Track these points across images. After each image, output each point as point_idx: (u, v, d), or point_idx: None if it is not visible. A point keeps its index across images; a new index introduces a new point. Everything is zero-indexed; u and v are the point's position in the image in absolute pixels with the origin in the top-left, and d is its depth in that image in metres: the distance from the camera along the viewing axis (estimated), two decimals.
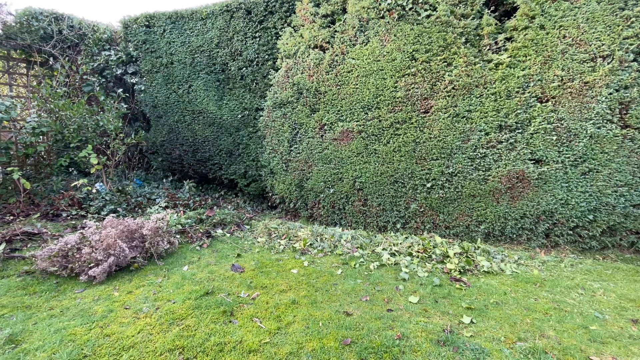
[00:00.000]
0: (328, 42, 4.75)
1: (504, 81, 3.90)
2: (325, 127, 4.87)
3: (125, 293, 2.85)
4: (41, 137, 5.89)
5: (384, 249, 3.98)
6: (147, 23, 6.36)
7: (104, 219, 4.51)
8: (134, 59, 6.67)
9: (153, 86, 6.51)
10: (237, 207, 5.87)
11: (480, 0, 3.94)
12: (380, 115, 4.48)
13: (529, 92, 3.84)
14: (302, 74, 4.89)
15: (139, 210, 5.22)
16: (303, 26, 4.93)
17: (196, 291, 2.85)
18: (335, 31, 4.67)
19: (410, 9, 4.23)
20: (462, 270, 3.47)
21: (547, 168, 3.85)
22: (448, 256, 3.72)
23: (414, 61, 4.24)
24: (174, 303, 2.67)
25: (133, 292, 2.86)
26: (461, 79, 4.04)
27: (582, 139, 3.72)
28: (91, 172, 5.76)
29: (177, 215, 4.74)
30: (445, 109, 4.16)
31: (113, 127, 5.76)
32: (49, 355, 2.04)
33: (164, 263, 3.51)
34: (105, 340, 2.20)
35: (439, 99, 4.18)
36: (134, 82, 6.68)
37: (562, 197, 3.87)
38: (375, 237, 4.40)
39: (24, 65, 6.69)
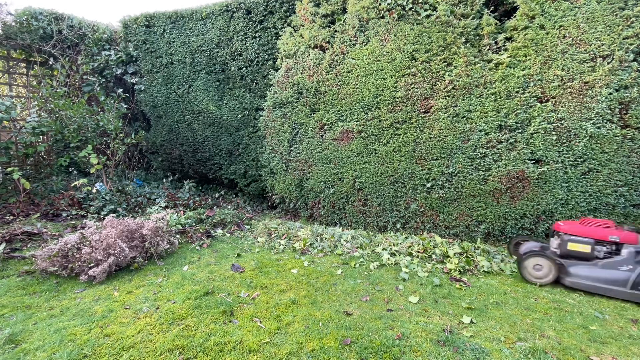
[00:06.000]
0: (328, 42, 4.75)
1: (504, 81, 3.90)
2: (325, 127, 4.87)
3: (125, 293, 2.85)
4: (41, 137, 5.89)
5: (384, 249, 3.98)
6: (147, 23, 6.36)
7: (104, 219, 4.51)
8: (134, 59, 6.67)
9: (153, 86, 6.51)
10: (237, 207, 5.87)
11: (480, 0, 3.94)
12: (380, 115, 4.48)
13: (529, 92, 3.84)
14: (302, 74, 4.89)
15: (139, 210, 5.22)
16: (303, 26, 4.93)
17: (196, 291, 2.85)
18: (335, 31, 4.67)
19: (410, 9, 4.23)
20: (462, 270, 3.47)
21: (547, 168, 3.85)
22: (448, 256, 3.72)
23: (414, 61, 4.24)
24: (174, 303, 2.67)
25: (133, 292, 2.86)
26: (461, 79, 4.04)
27: (582, 139, 3.72)
28: (91, 172, 5.76)
29: (177, 215, 4.74)
30: (445, 109, 4.16)
31: (113, 127, 5.76)
32: (49, 355, 2.04)
33: (164, 263, 3.51)
34: (105, 340, 2.20)
35: (439, 99, 4.18)
36: (134, 82, 6.68)
37: (562, 197, 3.86)
38: (375, 237, 4.40)
39: (24, 65, 6.69)
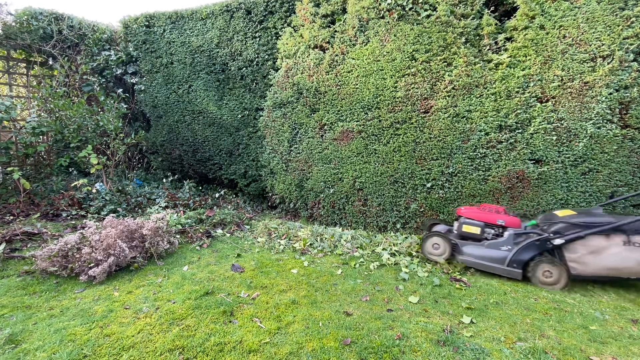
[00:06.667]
0: (328, 42, 4.75)
1: (504, 81, 3.90)
2: (325, 127, 4.87)
3: (125, 293, 2.85)
4: (41, 137, 5.89)
5: (383, 249, 3.98)
6: (147, 23, 6.36)
7: (104, 219, 4.51)
8: (134, 59, 6.67)
9: (153, 86, 6.51)
10: (237, 207, 5.87)
11: (480, 0, 3.95)
12: (380, 115, 4.48)
13: (529, 92, 3.84)
14: (302, 74, 4.89)
15: (139, 210, 5.22)
16: (303, 26, 4.93)
17: (196, 291, 2.85)
18: (335, 31, 4.67)
19: (410, 9, 4.23)
20: (462, 271, 3.47)
21: (547, 168, 3.85)
22: None
23: (414, 61, 4.24)
24: (174, 303, 2.67)
25: (133, 292, 2.86)
26: (461, 79, 4.04)
27: (582, 139, 3.72)
28: (91, 172, 5.76)
29: (177, 215, 4.74)
30: (445, 109, 4.16)
31: (113, 127, 5.76)
32: (49, 355, 2.04)
33: (164, 263, 3.51)
34: (105, 340, 2.20)
35: (439, 99, 4.18)
36: (134, 82, 6.68)
37: (562, 197, 3.86)
38: (375, 237, 4.40)
39: (24, 65, 6.69)
